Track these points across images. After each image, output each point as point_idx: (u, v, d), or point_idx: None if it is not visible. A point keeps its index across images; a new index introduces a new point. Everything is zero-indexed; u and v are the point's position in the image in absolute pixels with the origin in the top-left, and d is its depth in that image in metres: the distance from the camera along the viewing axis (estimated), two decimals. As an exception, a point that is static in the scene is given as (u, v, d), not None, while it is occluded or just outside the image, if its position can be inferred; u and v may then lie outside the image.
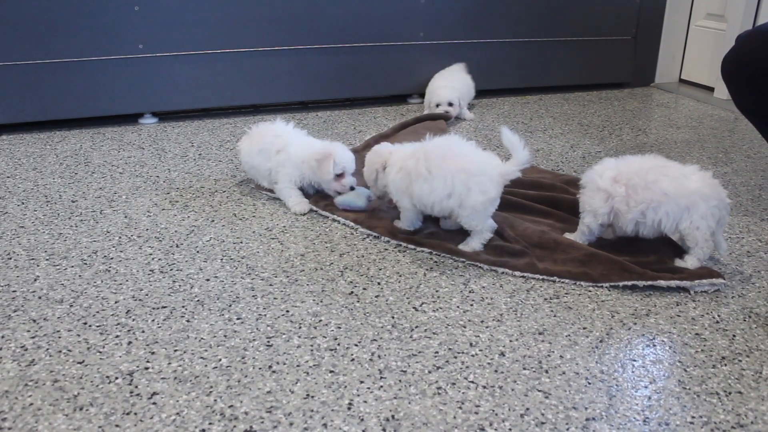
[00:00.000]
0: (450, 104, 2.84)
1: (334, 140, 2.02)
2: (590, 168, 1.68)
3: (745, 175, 2.30)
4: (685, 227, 1.58)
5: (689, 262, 1.59)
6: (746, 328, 1.41)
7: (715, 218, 1.58)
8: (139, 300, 1.48)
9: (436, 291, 1.53)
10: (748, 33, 1.87)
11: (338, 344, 1.33)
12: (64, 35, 2.60)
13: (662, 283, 1.53)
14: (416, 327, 1.39)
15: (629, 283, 1.54)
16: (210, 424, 1.12)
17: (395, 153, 1.75)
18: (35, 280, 1.56)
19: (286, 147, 1.97)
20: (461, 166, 1.61)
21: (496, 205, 1.67)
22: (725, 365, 1.29)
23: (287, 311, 1.44)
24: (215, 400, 1.17)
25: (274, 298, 1.49)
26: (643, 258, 1.63)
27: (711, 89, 3.43)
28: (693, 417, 1.15)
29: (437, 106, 2.85)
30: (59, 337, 1.34)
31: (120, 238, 1.78)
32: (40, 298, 1.49)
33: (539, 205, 1.92)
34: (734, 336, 1.38)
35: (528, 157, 1.60)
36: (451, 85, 2.91)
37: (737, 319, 1.44)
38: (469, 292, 1.53)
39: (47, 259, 1.66)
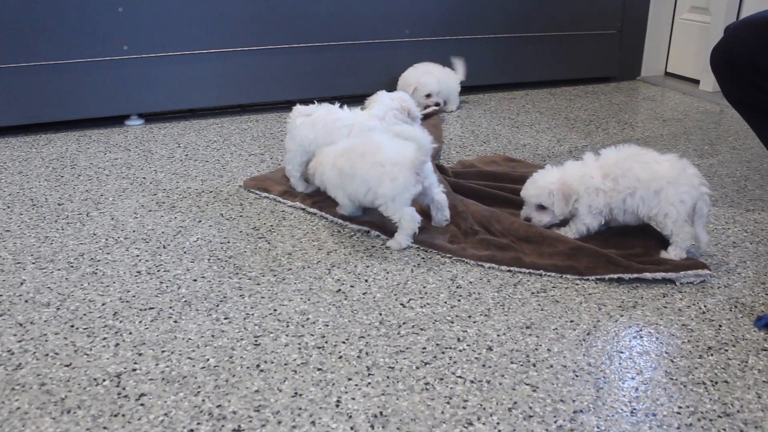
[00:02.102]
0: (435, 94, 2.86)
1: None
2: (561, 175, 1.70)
3: (730, 167, 2.32)
4: (655, 214, 1.59)
5: (672, 253, 1.60)
6: (732, 318, 1.42)
7: (687, 206, 1.56)
8: (127, 302, 1.48)
9: (424, 287, 1.54)
10: (737, 24, 1.87)
11: (326, 342, 1.33)
12: (47, 38, 2.59)
13: (648, 275, 1.54)
14: (404, 323, 1.39)
15: (615, 276, 1.55)
16: (198, 424, 1.11)
17: (325, 152, 1.82)
18: (21, 283, 1.56)
19: (361, 132, 1.97)
20: (377, 160, 1.68)
21: (410, 192, 1.68)
22: (712, 355, 1.30)
23: (275, 310, 1.44)
24: (203, 400, 1.17)
25: (262, 297, 1.49)
26: (629, 250, 1.64)
27: (696, 82, 3.45)
28: (680, 407, 1.15)
29: (427, 96, 2.84)
30: (46, 341, 1.34)
31: (107, 240, 1.77)
32: (26, 301, 1.48)
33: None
34: (720, 326, 1.39)
35: (429, 140, 1.65)
36: (430, 71, 2.91)
37: (723, 309, 1.45)
38: (457, 287, 1.54)
39: (33, 263, 1.65)
